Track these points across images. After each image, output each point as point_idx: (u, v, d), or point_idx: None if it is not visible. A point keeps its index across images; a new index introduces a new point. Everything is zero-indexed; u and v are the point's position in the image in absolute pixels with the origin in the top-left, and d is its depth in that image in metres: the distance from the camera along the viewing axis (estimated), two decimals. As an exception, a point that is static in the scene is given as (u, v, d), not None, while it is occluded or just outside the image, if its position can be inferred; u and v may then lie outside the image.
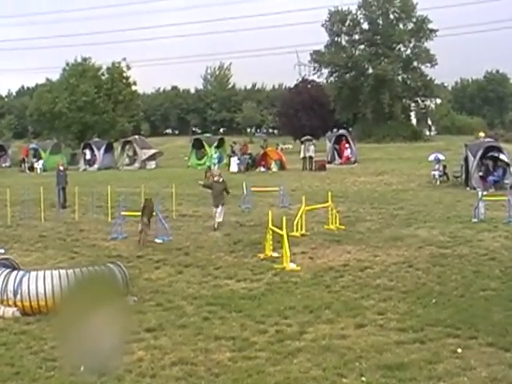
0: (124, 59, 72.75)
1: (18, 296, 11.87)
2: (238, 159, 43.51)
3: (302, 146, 44.65)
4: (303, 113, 71.40)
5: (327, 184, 33.13)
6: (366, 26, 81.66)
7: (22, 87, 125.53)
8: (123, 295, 12.43)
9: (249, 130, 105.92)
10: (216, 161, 36.60)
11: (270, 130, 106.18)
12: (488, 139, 36.65)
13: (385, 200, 26.63)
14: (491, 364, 8.99)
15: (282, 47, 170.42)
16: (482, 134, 41.43)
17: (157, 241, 18.83)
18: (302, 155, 43.94)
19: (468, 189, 29.12)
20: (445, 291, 12.79)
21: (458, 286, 13.18)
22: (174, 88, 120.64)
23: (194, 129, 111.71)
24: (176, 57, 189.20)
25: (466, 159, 30.76)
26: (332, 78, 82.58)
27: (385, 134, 75.30)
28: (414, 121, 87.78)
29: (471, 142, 35.22)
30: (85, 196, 26.50)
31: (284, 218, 16.28)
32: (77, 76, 70.03)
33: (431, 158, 35.85)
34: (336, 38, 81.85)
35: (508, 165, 29.61)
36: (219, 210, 20.68)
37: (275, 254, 16.25)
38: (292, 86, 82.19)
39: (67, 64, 72.95)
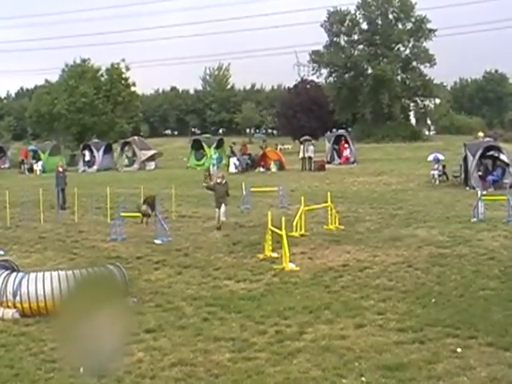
0: (123, 60, 72.90)
1: (18, 297, 11.86)
2: (238, 160, 43.54)
3: (301, 147, 44.68)
4: (302, 113, 71.56)
5: (326, 184, 33.12)
6: (364, 26, 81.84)
7: (21, 89, 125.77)
8: (122, 296, 12.42)
9: (248, 130, 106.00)
10: (215, 161, 36.57)
11: (270, 131, 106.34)
12: (487, 139, 36.68)
13: (384, 200, 26.63)
14: (491, 364, 8.98)
15: (281, 48, 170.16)
16: (480, 134, 41.45)
17: (156, 242, 18.82)
18: (301, 155, 43.96)
19: (467, 188, 29.14)
20: (444, 291, 12.79)
21: (458, 285, 13.17)
22: (173, 89, 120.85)
23: (193, 129, 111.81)
24: (175, 58, 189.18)
25: (465, 159, 30.77)
26: (331, 79, 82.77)
27: (384, 134, 75.42)
28: (413, 121, 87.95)
29: (470, 142, 35.25)
30: (84, 197, 26.52)
31: (283, 219, 16.28)
32: (76, 77, 70.09)
33: (430, 157, 35.89)
34: (335, 39, 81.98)
35: (507, 164, 29.62)
36: (223, 210, 20.77)
37: (274, 255, 16.24)
38: (291, 86, 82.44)
39: (66, 65, 73.13)
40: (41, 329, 11.27)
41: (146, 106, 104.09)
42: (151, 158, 50.24)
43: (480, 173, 29.80)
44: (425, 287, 13.19)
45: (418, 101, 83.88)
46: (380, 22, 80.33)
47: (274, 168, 42.87)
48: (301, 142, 46.28)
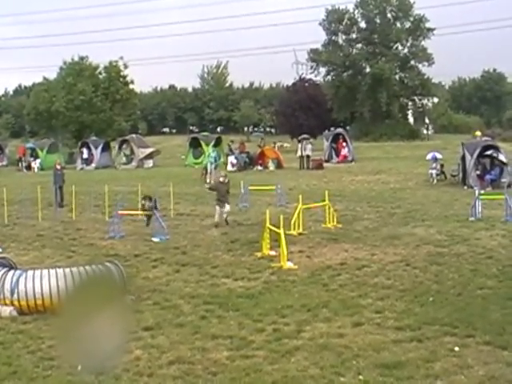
0: (121, 58, 72.76)
1: (15, 295, 11.85)
2: (236, 158, 43.54)
3: (299, 145, 44.66)
4: (300, 112, 71.50)
5: (324, 183, 33.13)
6: (363, 24, 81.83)
7: (19, 86, 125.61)
8: (121, 294, 12.41)
9: (246, 128, 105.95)
10: (213, 160, 36.53)
11: (268, 129, 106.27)
12: (485, 138, 36.69)
13: (382, 199, 26.64)
14: (488, 362, 8.99)
15: (280, 46, 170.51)
16: (478, 133, 41.39)
17: (154, 240, 18.82)
18: (299, 154, 43.96)
19: (465, 187, 29.16)
20: (442, 290, 12.80)
21: (456, 284, 13.18)
22: (172, 87, 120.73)
23: (191, 128, 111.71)
24: (173, 56, 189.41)
25: (463, 158, 30.80)
26: (329, 77, 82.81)
27: (382, 132, 75.48)
28: (411, 120, 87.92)
29: (468, 141, 35.27)
30: (82, 195, 26.50)
31: (281, 217, 16.28)
32: (74, 75, 70.00)
33: (428, 156, 35.89)
34: (333, 37, 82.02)
35: (505, 164, 29.65)
36: (227, 209, 20.94)
37: (272, 253, 16.25)
38: (289, 84, 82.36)
39: (64, 63, 72.98)
40: (39, 326, 11.25)
41: (145, 103, 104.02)
42: (149, 156, 50.21)
43: (478, 172, 29.82)
44: (423, 286, 13.20)
45: (416, 100, 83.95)
46: (378, 21, 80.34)
47: (271, 166, 42.88)
48: (299, 141, 46.27)
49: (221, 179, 21.66)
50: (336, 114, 78.88)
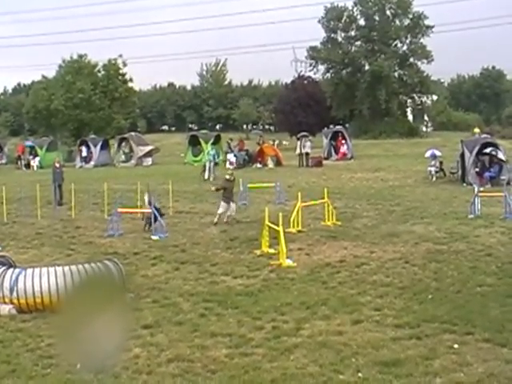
0: (120, 56, 72.87)
1: (14, 293, 11.84)
2: (235, 156, 43.55)
3: (298, 143, 44.67)
4: (299, 109, 71.51)
5: (323, 180, 33.13)
6: (362, 22, 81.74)
7: (18, 84, 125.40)
8: (120, 292, 12.40)
9: (245, 126, 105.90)
10: (211, 157, 36.53)
11: (267, 127, 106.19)
12: (484, 135, 36.71)
13: (381, 196, 26.64)
14: (488, 360, 8.99)
15: (279, 44, 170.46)
16: (477, 130, 41.49)
17: (153, 237, 18.81)
18: (298, 151, 43.96)
19: (464, 185, 29.17)
20: (441, 287, 12.80)
21: (455, 282, 13.18)
22: (171, 85, 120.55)
23: (190, 125, 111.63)
24: (172, 53, 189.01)
25: (463, 155, 30.80)
26: (328, 75, 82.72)
27: (381, 130, 75.49)
28: (410, 117, 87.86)
29: (467, 139, 35.28)
30: (81, 193, 26.52)
31: (280, 215, 16.28)
32: (73, 73, 70.03)
33: (427, 154, 35.89)
34: (332, 35, 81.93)
35: (504, 161, 29.65)
36: (233, 207, 21.04)
37: (272, 251, 16.25)
38: (288, 82, 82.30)
39: (63, 61, 73.05)
40: (38, 325, 11.25)
41: (143, 101, 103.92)
42: (148, 154, 50.19)
43: (477, 169, 29.83)
44: (422, 283, 13.20)
45: (416, 97, 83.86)
46: (377, 18, 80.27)
47: (271, 164, 42.87)
48: (298, 138, 46.27)
49: (227, 176, 21.67)
50: (335, 112, 78.84)
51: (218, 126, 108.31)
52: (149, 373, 8.98)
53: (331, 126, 54.44)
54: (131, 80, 74.37)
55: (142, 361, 9.41)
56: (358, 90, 78.44)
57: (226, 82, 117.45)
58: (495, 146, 30.70)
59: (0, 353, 9.97)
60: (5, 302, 11.93)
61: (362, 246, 16.84)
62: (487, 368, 8.70)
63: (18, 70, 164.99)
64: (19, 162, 51.17)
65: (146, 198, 20.73)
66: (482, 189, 23.55)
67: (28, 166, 50.27)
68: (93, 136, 55.60)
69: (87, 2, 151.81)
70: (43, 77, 75.93)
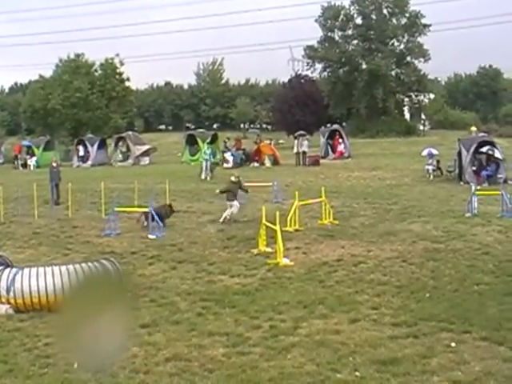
0: (117, 55, 72.71)
1: (12, 293, 11.84)
2: (232, 155, 43.51)
3: (296, 142, 44.63)
4: (297, 108, 71.51)
5: (321, 179, 33.11)
6: (359, 21, 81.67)
7: (15, 84, 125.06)
8: (117, 291, 12.39)
9: (242, 125, 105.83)
10: (208, 156, 36.45)
11: (264, 126, 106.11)
12: (481, 134, 36.71)
13: (379, 195, 26.64)
14: (485, 358, 9.00)
15: (276, 43, 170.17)
16: (473, 129, 41.38)
17: (150, 237, 18.80)
18: (295, 150, 43.92)
19: (461, 183, 29.18)
20: (439, 286, 12.81)
21: (452, 280, 13.19)
22: (168, 84, 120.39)
23: (187, 125, 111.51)
24: (169, 52, 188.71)
25: (460, 154, 30.81)
26: (325, 74, 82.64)
27: (378, 129, 75.46)
28: (407, 116, 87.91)
29: (464, 137, 35.29)
30: (78, 192, 26.45)
31: (277, 214, 16.28)
32: (70, 72, 69.87)
33: (424, 152, 35.87)
34: (329, 34, 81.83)
35: (501, 160, 29.66)
36: (236, 205, 21.05)
37: (269, 250, 16.25)
38: (286, 81, 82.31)
39: (60, 60, 72.88)
40: (35, 324, 11.24)
41: (141, 100, 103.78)
42: (145, 153, 50.12)
43: (474, 168, 29.84)
44: (419, 282, 13.21)
45: (413, 96, 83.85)
46: (374, 17, 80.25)
47: (268, 163, 42.83)
48: (295, 137, 46.23)
49: (232, 178, 21.70)
50: (332, 111, 78.82)
51: (215, 125, 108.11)
52: (146, 372, 8.98)
53: (328, 125, 54.43)
54: (128, 79, 74.29)
55: (140, 360, 9.41)
56: (355, 88, 78.41)
57: (223, 81, 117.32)
58: (492, 144, 30.70)
59: (-3, 352, 9.97)
60: (2, 302, 11.92)
61: (360, 245, 16.84)
62: (484, 366, 8.71)
63: (15, 69, 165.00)
64: (16, 162, 51.01)
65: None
66: (479, 187, 23.54)
67: (25, 165, 50.15)
68: (90, 135, 55.51)
69: (84, 1, 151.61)
70: (40, 76, 75.76)
